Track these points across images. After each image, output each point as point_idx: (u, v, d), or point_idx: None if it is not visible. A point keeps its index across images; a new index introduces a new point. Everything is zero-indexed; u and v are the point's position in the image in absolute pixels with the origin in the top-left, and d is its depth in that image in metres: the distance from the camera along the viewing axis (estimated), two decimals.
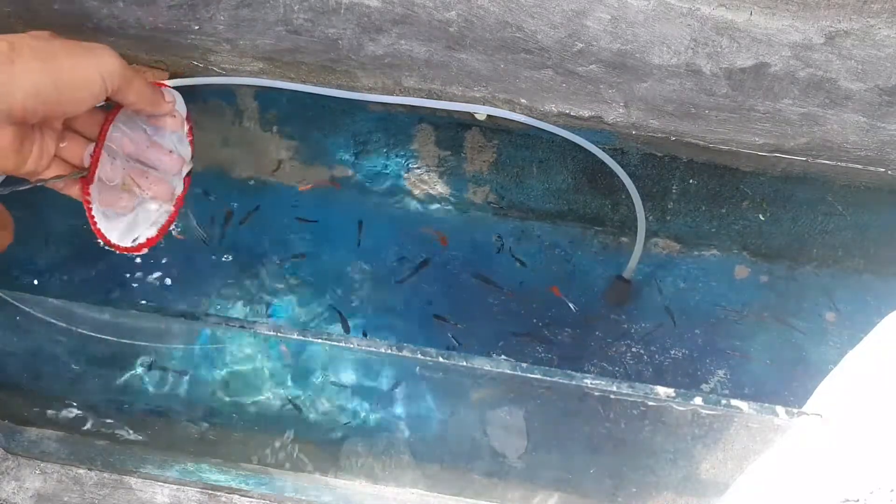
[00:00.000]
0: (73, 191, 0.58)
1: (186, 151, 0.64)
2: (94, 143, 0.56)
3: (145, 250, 0.62)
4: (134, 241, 0.61)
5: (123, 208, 0.59)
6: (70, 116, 0.52)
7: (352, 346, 0.77)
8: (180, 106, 0.62)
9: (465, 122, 1.13)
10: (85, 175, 0.56)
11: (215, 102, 1.18)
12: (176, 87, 1.12)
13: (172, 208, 0.63)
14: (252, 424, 1.00)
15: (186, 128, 0.64)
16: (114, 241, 0.59)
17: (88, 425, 1.00)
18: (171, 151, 0.62)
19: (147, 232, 0.62)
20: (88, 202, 0.57)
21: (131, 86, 0.54)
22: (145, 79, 0.56)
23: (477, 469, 0.96)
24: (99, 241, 0.59)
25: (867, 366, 1.14)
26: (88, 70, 0.50)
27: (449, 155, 1.20)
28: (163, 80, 1.10)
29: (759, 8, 0.90)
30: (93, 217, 0.57)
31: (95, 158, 0.56)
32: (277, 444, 0.99)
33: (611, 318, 1.24)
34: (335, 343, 0.79)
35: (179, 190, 0.64)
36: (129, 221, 0.60)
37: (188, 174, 0.65)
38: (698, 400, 0.75)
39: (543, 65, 1.02)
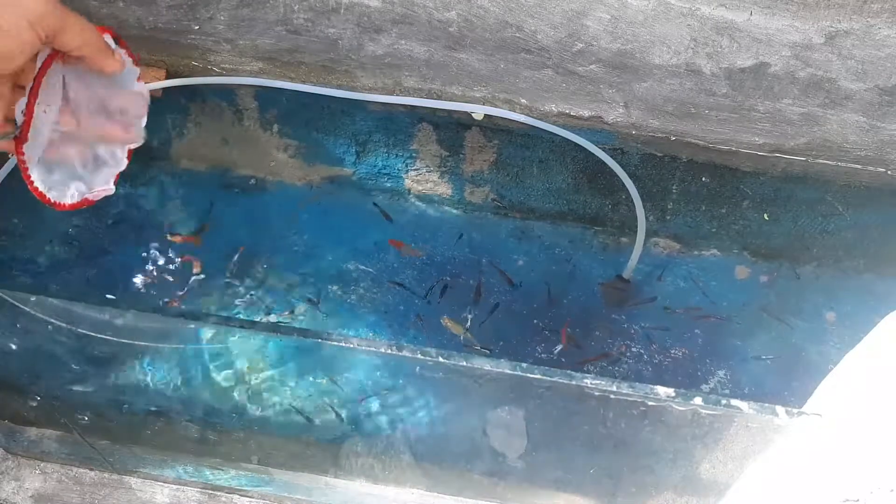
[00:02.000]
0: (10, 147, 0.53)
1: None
2: (24, 98, 0.51)
3: (90, 205, 0.59)
4: (74, 196, 0.57)
5: (68, 160, 0.55)
6: (9, 72, 0.48)
7: (352, 345, 0.77)
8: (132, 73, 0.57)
9: (465, 122, 1.13)
10: (17, 135, 0.51)
11: (215, 102, 1.18)
12: (176, 87, 1.13)
13: (124, 163, 0.60)
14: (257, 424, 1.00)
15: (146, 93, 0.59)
16: (53, 198, 0.56)
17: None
18: (130, 93, 0.57)
19: (94, 186, 0.58)
20: (24, 161, 0.52)
21: (69, 27, 0.48)
22: (86, 21, 0.50)
23: (477, 469, 0.96)
24: (38, 198, 0.55)
25: (867, 366, 1.14)
26: (12, 17, 0.46)
27: (449, 155, 1.20)
28: (160, 78, 1.10)
29: (759, 8, 0.90)
30: (29, 177, 0.53)
31: (28, 115, 0.51)
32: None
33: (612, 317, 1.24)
34: (335, 343, 0.78)
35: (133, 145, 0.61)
36: (71, 176, 0.57)
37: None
38: (698, 400, 0.75)
39: (543, 65, 1.02)
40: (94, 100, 0.56)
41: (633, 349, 1.21)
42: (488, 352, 1.20)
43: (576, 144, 1.10)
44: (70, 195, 0.57)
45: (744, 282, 1.25)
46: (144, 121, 0.60)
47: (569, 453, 0.92)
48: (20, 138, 0.51)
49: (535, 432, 0.89)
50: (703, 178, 1.15)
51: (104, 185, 0.59)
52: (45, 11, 0.47)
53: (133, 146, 0.60)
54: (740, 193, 1.17)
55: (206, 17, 1.03)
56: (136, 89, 0.58)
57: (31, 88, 0.50)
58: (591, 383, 0.74)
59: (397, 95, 1.10)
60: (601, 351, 1.21)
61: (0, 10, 0.46)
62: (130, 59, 0.56)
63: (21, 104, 0.51)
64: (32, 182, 0.54)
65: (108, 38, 0.53)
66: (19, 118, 0.51)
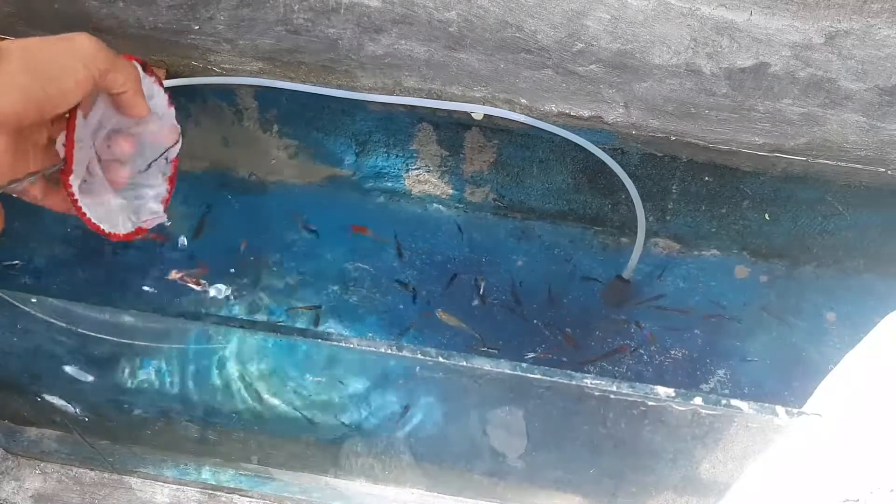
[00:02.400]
0: (38, 195, 0.53)
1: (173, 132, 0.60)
2: (63, 133, 0.51)
3: (145, 234, 0.58)
4: (127, 226, 0.57)
5: (104, 192, 0.55)
6: (60, 112, 0.49)
7: (352, 345, 0.77)
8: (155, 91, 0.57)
9: (465, 122, 1.13)
10: (63, 167, 0.51)
11: (215, 102, 1.18)
12: (176, 87, 1.13)
13: (167, 190, 0.60)
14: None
15: (172, 109, 0.59)
16: (107, 230, 0.55)
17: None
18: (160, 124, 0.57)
19: (141, 214, 0.58)
20: (73, 195, 0.52)
21: (117, 66, 0.50)
22: (125, 59, 0.51)
23: (477, 469, 0.96)
24: (94, 231, 0.55)
25: (867, 366, 1.14)
26: (68, 59, 0.48)
27: (449, 155, 1.20)
28: (160, 78, 1.10)
29: (759, 8, 0.90)
30: (81, 208, 0.53)
31: (70, 147, 0.51)
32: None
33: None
34: (335, 343, 0.78)
35: (168, 171, 0.60)
36: (119, 207, 0.57)
37: (176, 155, 0.60)
38: (698, 400, 0.75)
39: (543, 65, 1.02)
40: (114, 133, 0.56)
41: (634, 349, 1.21)
42: (496, 350, 1.20)
43: (576, 144, 1.10)
44: (122, 225, 0.57)
45: (743, 281, 1.25)
46: (176, 150, 0.60)
47: (569, 453, 0.92)
48: (66, 171, 0.51)
49: (535, 432, 0.89)
50: (704, 178, 1.15)
51: (152, 213, 0.59)
52: (98, 51, 0.49)
53: (162, 188, 0.60)
54: (740, 193, 1.17)
55: (206, 17, 1.03)
56: (163, 116, 0.58)
57: (69, 120, 0.51)
58: (591, 383, 0.74)
59: (397, 95, 1.10)
60: (602, 351, 1.21)
61: (63, 52, 0.48)
62: (155, 80, 0.57)
63: (61, 138, 0.52)
64: (85, 214, 0.54)
65: (136, 66, 0.54)
66: (60, 150, 0.51)
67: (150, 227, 0.59)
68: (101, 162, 0.56)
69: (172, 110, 0.59)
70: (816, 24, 0.91)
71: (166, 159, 0.60)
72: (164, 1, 1.01)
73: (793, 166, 1.10)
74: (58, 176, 0.52)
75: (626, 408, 0.77)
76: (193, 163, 1.28)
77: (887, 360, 1.11)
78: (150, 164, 0.59)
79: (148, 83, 0.55)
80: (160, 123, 0.58)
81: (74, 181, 0.52)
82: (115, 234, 0.56)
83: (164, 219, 0.60)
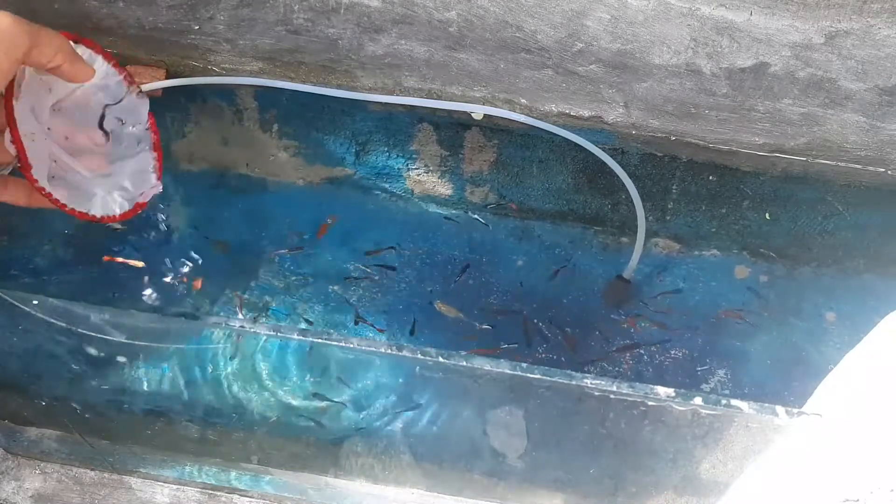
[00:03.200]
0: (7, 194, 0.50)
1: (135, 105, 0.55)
2: (6, 131, 0.48)
3: (144, 207, 0.55)
4: (124, 206, 0.54)
5: (80, 173, 0.52)
6: None
7: (352, 345, 0.77)
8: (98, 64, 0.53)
9: (465, 122, 1.13)
10: (18, 164, 0.48)
11: (215, 102, 1.18)
12: (176, 87, 1.13)
13: (155, 157, 0.56)
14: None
15: (131, 85, 0.55)
16: (99, 214, 0.53)
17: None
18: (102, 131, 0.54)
19: (131, 188, 0.55)
20: (43, 189, 0.49)
21: (40, 41, 0.45)
22: (51, 30, 0.46)
23: (477, 469, 0.96)
24: (85, 220, 0.52)
25: (867, 366, 1.14)
26: None
27: (449, 155, 1.20)
28: (160, 78, 1.10)
29: (759, 8, 0.90)
30: (58, 201, 0.50)
31: (18, 143, 0.48)
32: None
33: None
34: (335, 343, 0.78)
35: (149, 139, 0.57)
36: (104, 188, 0.54)
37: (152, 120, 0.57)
38: (698, 400, 0.75)
39: (543, 65, 1.02)
40: (69, 109, 0.53)
41: (638, 347, 1.21)
42: (517, 345, 1.20)
43: (576, 144, 1.10)
44: (118, 206, 0.54)
45: (743, 281, 1.25)
46: (144, 110, 0.56)
47: (569, 453, 0.92)
48: (24, 166, 0.48)
49: (535, 432, 0.89)
50: (704, 178, 1.15)
51: (145, 185, 0.56)
52: (17, 30, 0.44)
53: (144, 145, 0.57)
54: (740, 193, 1.17)
55: (206, 17, 1.03)
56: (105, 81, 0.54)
57: (7, 116, 0.48)
58: (591, 383, 0.74)
59: (397, 95, 1.10)
60: (603, 351, 1.21)
61: None
62: (96, 51, 0.52)
63: (7, 137, 0.48)
64: (66, 206, 0.51)
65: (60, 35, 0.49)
66: (10, 147, 0.48)
67: (147, 200, 0.56)
68: (63, 140, 0.52)
69: (115, 70, 0.54)
70: (816, 24, 0.91)
71: (141, 124, 0.56)
72: (164, 1, 1.01)
73: (793, 166, 1.10)
74: (20, 173, 0.49)
75: (626, 408, 0.77)
76: (193, 163, 1.28)
77: (887, 360, 1.11)
78: (104, 118, 0.54)
79: (85, 51, 0.52)
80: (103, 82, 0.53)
81: (39, 175, 0.49)
82: (109, 217, 0.54)
83: (159, 188, 0.57)
